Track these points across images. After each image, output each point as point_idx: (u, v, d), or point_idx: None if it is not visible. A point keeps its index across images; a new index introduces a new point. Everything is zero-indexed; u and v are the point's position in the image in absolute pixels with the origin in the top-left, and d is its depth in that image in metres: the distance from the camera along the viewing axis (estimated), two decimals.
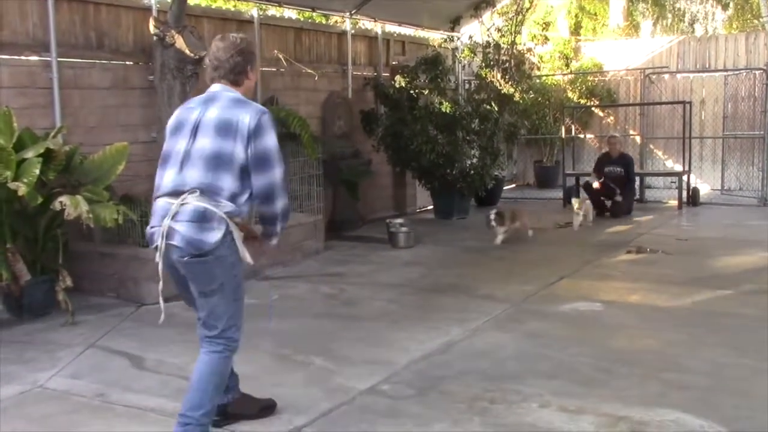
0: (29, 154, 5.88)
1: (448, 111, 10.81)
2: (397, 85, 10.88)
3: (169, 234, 3.40)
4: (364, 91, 11.31)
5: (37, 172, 5.74)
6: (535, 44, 12.18)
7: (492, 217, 9.09)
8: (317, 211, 8.79)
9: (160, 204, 3.51)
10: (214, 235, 3.38)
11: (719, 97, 14.05)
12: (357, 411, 4.11)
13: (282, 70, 9.82)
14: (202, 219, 3.38)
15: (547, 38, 12.53)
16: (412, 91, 10.86)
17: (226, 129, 3.45)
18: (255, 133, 3.44)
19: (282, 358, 5.05)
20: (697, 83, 14.43)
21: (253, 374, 4.69)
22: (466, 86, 13.31)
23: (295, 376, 4.67)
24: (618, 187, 11.22)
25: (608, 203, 11.24)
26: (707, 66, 14.60)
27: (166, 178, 3.54)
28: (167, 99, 7.25)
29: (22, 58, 6.88)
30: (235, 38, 3.68)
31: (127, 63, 7.85)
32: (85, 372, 4.81)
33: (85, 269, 6.69)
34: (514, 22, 11.67)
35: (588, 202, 10.63)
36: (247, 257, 3.54)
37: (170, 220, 3.39)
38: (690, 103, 12.59)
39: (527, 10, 12.18)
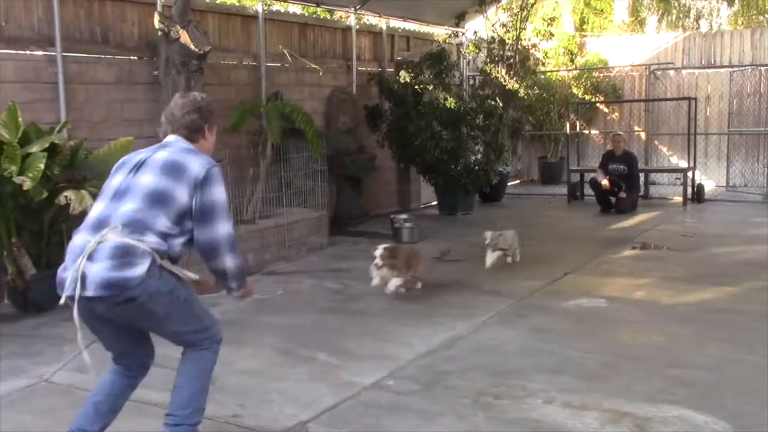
0: (34, 148, 5.90)
1: (452, 107, 10.80)
2: (402, 81, 10.87)
3: (84, 282, 3.01)
4: (368, 87, 11.31)
5: (42, 166, 5.76)
6: (540, 40, 12.10)
7: (379, 253, 6.28)
8: (321, 207, 8.79)
9: (77, 241, 3.17)
10: (137, 270, 3.02)
11: (724, 94, 14.01)
12: (362, 406, 4.11)
13: (286, 65, 9.82)
14: (121, 255, 3.03)
15: (552, 34, 12.44)
16: (416, 87, 10.85)
17: (172, 170, 3.23)
18: (203, 183, 3.21)
19: (286, 353, 5.06)
20: (702, 79, 14.39)
21: (258, 369, 4.71)
22: (471, 82, 13.30)
23: (299, 371, 4.68)
24: (622, 184, 11.25)
25: (613, 200, 11.25)
26: (712, 62, 14.58)
27: (93, 210, 3.27)
28: (172, 94, 7.17)
29: (27, 52, 6.89)
30: (195, 96, 3.54)
31: (132, 58, 7.85)
32: (90, 366, 4.81)
33: None
34: (519, 17, 11.64)
35: (510, 234, 7.69)
36: (189, 274, 3.26)
37: (85, 260, 3.02)
38: (695, 99, 12.57)
39: (532, 5, 12.14)
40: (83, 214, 5.73)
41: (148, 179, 3.23)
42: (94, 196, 5.82)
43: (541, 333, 5.38)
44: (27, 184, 5.61)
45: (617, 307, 6.07)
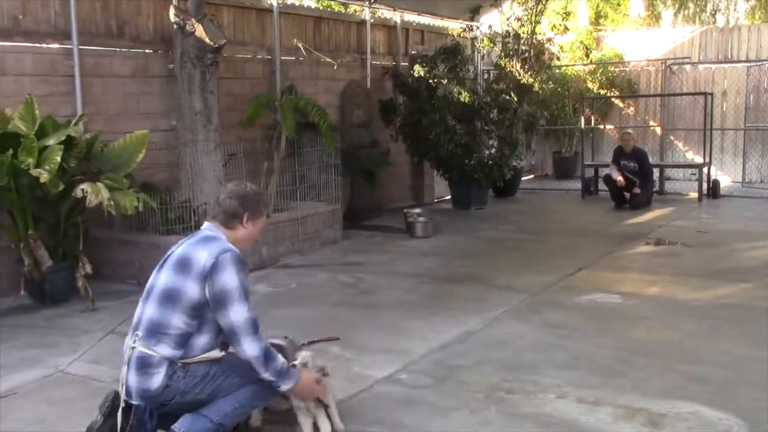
0: (51, 141, 5.94)
1: (466, 101, 10.78)
2: (416, 75, 10.85)
3: (128, 390, 3.25)
4: (382, 81, 11.31)
5: (59, 159, 5.80)
6: (555, 34, 12.04)
7: None
8: (335, 200, 8.80)
9: (125, 342, 3.38)
10: (155, 380, 3.20)
11: (741, 89, 13.90)
12: (374, 399, 4.12)
13: (301, 59, 9.83)
14: (142, 366, 3.22)
15: (567, 28, 12.37)
16: (430, 81, 10.82)
17: (182, 266, 3.30)
18: (211, 273, 3.22)
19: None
20: (719, 74, 14.28)
21: None
22: (485, 76, 13.24)
23: None
24: (636, 180, 11.19)
25: (628, 195, 11.19)
26: (729, 57, 14.46)
27: (137, 311, 3.42)
28: (187, 87, 7.28)
29: (44, 46, 6.93)
30: (245, 185, 3.59)
31: (148, 51, 7.89)
32: (105, 357, 4.86)
33: (106, 256, 6.76)
34: (534, 11, 11.57)
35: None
36: (212, 355, 3.30)
37: (126, 367, 3.25)
38: (711, 94, 12.47)
39: None
40: (99, 206, 5.83)
41: (163, 278, 3.33)
42: (110, 189, 5.93)
43: (554, 328, 5.37)
44: (44, 177, 5.65)
45: (631, 302, 6.05)
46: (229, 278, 3.24)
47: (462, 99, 10.79)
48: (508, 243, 8.71)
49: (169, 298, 3.26)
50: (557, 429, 3.71)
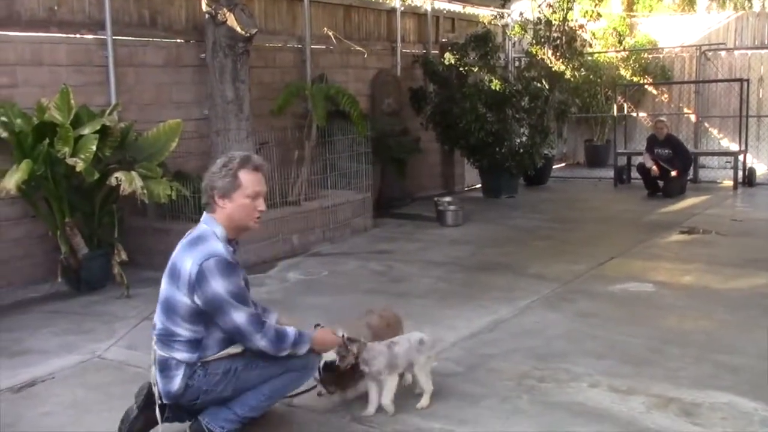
0: (86, 130, 6.02)
1: (497, 89, 10.71)
2: (447, 63, 10.81)
3: (158, 388, 3.34)
4: (413, 69, 11.28)
5: (94, 148, 5.89)
6: (588, 20, 11.90)
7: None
8: (366, 189, 8.82)
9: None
10: (175, 383, 3.26)
11: None
12: (405, 387, 4.13)
13: (331, 47, 9.84)
14: (162, 368, 3.29)
15: (599, 14, 12.21)
16: (461, 69, 10.78)
17: (172, 275, 3.29)
18: (197, 282, 3.17)
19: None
20: (755, 60, 14.03)
21: None
22: (516, 64, 13.16)
23: None
24: (669, 168, 11.03)
25: (661, 183, 11.05)
26: (766, 42, 14.19)
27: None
28: (219, 76, 7.33)
29: (79, 36, 7.02)
30: (216, 163, 3.40)
31: (180, 41, 7.95)
32: (141, 343, 4.92)
33: (139, 244, 6.84)
34: None
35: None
36: (231, 351, 3.32)
37: (154, 367, 3.34)
38: (747, 80, 12.27)
39: None
40: (133, 195, 5.90)
41: (162, 286, 3.35)
42: (144, 178, 6.00)
43: (586, 317, 5.34)
44: (79, 166, 5.73)
45: (664, 291, 5.99)
46: (217, 285, 3.18)
47: (493, 87, 10.73)
48: (539, 232, 8.66)
49: (169, 308, 3.28)
50: (590, 418, 3.69)
